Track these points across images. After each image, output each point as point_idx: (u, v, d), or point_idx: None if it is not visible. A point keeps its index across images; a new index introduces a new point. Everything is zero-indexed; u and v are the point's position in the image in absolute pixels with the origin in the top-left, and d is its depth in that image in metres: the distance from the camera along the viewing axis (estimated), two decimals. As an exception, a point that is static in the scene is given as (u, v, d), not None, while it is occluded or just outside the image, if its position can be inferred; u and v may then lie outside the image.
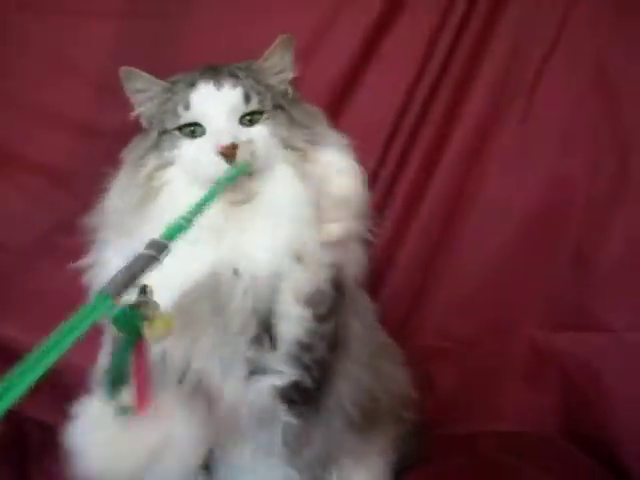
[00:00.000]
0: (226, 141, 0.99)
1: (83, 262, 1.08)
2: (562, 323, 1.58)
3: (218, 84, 1.04)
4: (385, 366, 1.22)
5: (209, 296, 0.99)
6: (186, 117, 1.04)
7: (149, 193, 1.04)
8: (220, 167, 0.99)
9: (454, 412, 1.58)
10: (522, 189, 1.61)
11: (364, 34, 1.57)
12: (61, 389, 1.44)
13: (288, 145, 1.06)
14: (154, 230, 0.89)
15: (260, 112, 1.05)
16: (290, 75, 1.12)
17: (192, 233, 0.89)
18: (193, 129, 1.04)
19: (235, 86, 1.04)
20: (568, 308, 1.58)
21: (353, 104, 1.60)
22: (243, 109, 1.04)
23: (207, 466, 1.07)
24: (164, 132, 1.05)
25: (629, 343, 1.47)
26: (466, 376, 1.62)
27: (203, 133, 1.03)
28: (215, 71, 1.07)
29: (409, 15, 1.59)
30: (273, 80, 1.10)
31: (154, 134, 1.07)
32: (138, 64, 1.42)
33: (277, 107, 1.07)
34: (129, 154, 1.10)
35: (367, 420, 1.15)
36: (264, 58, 1.10)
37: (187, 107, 1.04)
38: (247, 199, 1.03)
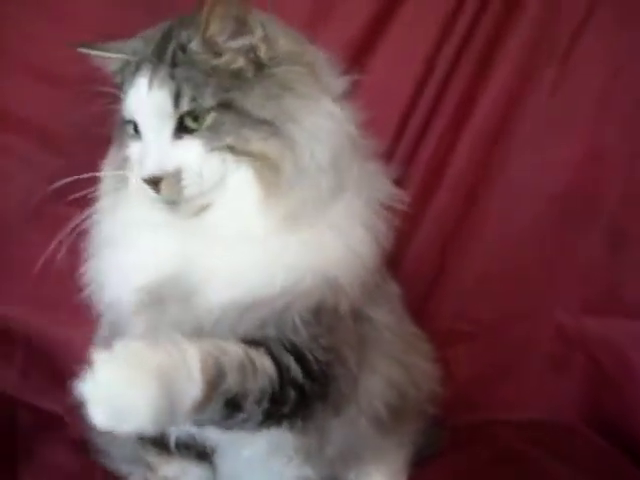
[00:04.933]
0: (146, 173, 0.89)
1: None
2: (593, 307, 1.53)
3: (150, 82, 0.90)
4: (415, 361, 1.15)
5: (178, 296, 0.93)
6: (125, 113, 0.94)
7: (119, 185, 0.98)
8: (148, 194, 0.90)
9: (474, 399, 1.53)
10: (552, 165, 1.54)
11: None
12: (55, 372, 1.41)
13: (238, 152, 0.90)
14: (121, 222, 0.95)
15: (203, 110, 0.90)
16: (252, 37, 0.92)
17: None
18: (136, 129, 0.93)
19: (163, 84, 0.89)
20: (600, 292, 1.53)
21: (368, 73, 1.46)
22: (172, 113, 0.89)
23: (210, 460, 1.04)
24: (121, 124, 0.98)
25: (663, 330, 1.43)
26: (487, 362, 1.57)
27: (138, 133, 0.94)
28: (158, 55, 0.91)
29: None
30: (225, 55, 0.91)
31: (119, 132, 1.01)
32: (136, 16, 1.35)
33: (223, 105, 0.89)
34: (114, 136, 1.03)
35: (393, 417, 1.08)
36: (201, 26, 0.90)
37: (125, 105, 0.94)
38: (196, 214, 0.92)
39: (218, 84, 0.89)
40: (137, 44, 0.96)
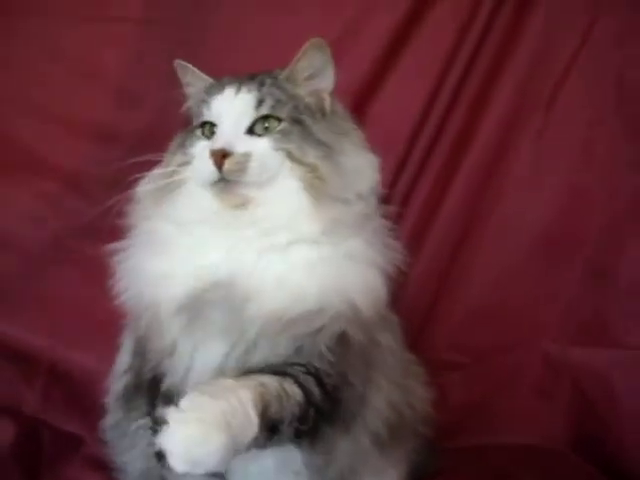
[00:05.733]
0: (217, 145, 1.00)
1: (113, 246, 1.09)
2: (578, 338, 1.59)
3: (238, 89, 1.05)
4: (411, 383, 1.23)
5: (225, 303, 1.00)
6: (205, 116, 1.07)
7: (170, 186, 1.06)
8: (208, 169, 1.00)
9: (465, 425, 1.58)
10: (538, 203, 1.61)
11: (384, 45, 1.57)
12: (74, 395, 1.49)
13: (295, 159, 1.03)
14: (164, 225, 1.03)
15: (277, 119, 1.04)
16: (324, 83, 1.10)
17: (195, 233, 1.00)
18: (210, 129, 1.06)
19: (250, 91, 1.05)
20: (583, 323, 1.58)
21: (371, 114, 1.58)
22: (253, 114, 1.04)
23: (221, 475, 1.06)
24: (190, 131, 1.09)
25: (645, 360, 1.47)
26: (478, 389, 1.63)
27: (212, 134, 1.06)
28: (247, 77, 1.08)
29: (430, 26, 1.59)
30: (302, 89, 1.09)
31: (187, 131, 1.11)
32: (158, 70, 1.46)
33: (295, 120, 1.06)
34: (170, 146, 1.14)
35: (391, 436, 1.15)
36: (293, 63, 1.09)
37: (209, 107, 1.07)
38: (242, 204, 1.02)
39: (294, 106, 1.06)
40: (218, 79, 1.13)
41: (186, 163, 1.06)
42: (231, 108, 1.05)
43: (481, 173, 1.61)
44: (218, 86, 1.09)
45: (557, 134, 1.60)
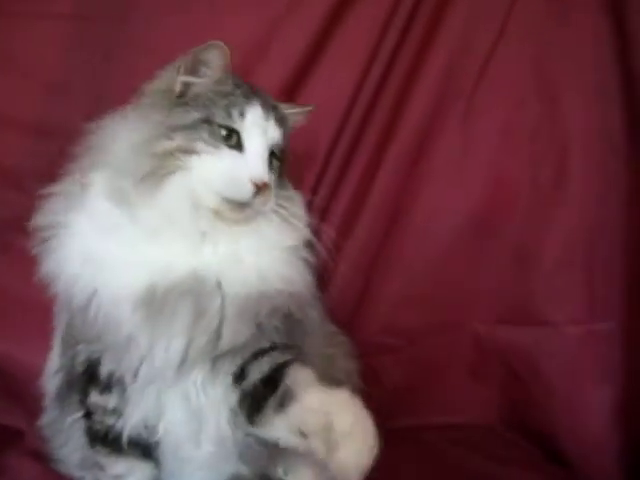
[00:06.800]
0: (264, 178, 1.01)
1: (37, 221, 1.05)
2: (505, 317, 1.63)
3: (266, 115, 1.06)
4: (336, 355, 1.25)
5: (191, 297, 1.00)
6: (237, 124, 1.03)
7: (159, 171, 0.99)
8: (241, 191, 1.01)
9: (400, 406, 1.61)
10: (464, 188, 1.64)
11: (313, 31, 1.59)
12: (14, 390, 1.50)
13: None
14: (149, 219, 0.98)
15: (278, 159, 1.08)
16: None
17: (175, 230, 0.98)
18: (234, 136, 1.03)
19: (277, 125, 1.07)
20: (511, 303, 1.63)
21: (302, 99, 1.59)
22: (278, 145, 1.07)
23: (155, 458, 1.10)
24: (207, 121, 1.02)
25: (569, 336, 1.53)
26: (411, 370, 1.65)
27: (239, 147, 1.03)
28: (261, 99, 1.08)
29: (356, 14, 1.61)
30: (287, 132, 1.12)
31: (195, 115, 1.03)
32: (89, 65, 1.49)
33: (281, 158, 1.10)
34: (154, 107, 1.05)
35: None
36: (288, 108, 1.14)
37: (242, 115, 1.04)
38: (244, 223, 1.05)
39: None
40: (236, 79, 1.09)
41: (188, 152, 1.00)
42: (266, 134, 1.05)
43: (408, 158, 1.64)
44: (243, 93, 1.06)
45: (480, 120, 1.64)
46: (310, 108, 1.19)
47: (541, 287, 1.58)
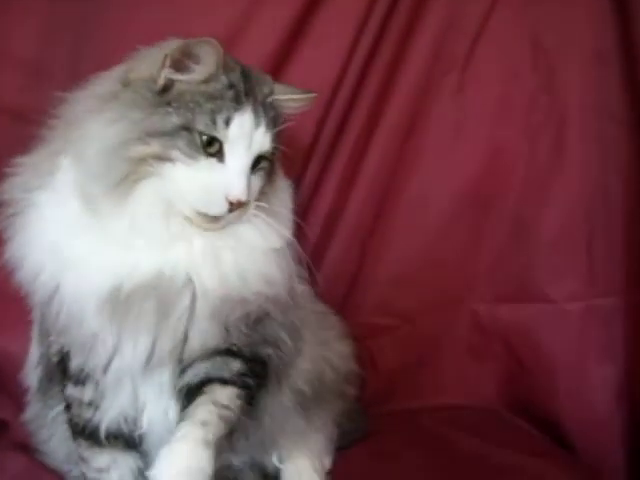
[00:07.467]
0: (241, 198, 0.94)
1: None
2: (504, 295, 1.61)
3: (257, 120, 0.97)
4: (331, 338, 1.23)
5: (156, 297, 0.97)
6: (221, 133, 0.95)
7: (131, 176, 0.93)
8: (215, 206, 0.95)
9: (396, 388, 1.60)
10: (459, 161, 1.61)
11: (297, 10, 1.53)
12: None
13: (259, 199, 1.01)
14: (118, 229, 0.93)
15: (268, 160, 1.01)
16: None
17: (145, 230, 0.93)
18: (215, 144, 0.95)
19: (267, 131, 0.98)
20: (509, 280, 1.60)
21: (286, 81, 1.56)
22: (265, 150, 0.99)
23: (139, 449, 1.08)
24: (187, 129, 0.94)
25: (569, 313, 1.50)
26: (408, 352, 1.63)
27: (220, 155, 0.95)
28: (255, 99, 0.99)
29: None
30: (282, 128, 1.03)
31: (175, 120, 0.94)
32: (65, 45, 1.45)
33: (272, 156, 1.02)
34: (134, 103, 0.95)
35: (314, 398, 1.16)
36: (280, 94, 1.03)
37: (228, 124, 0.95)
38: (219, 229, 0.99)
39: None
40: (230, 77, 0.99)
41: (162, 159, 0.93)
42: (251, 144, 0.97)
43: (400, 135, 1.60)
44: (232, 97, 0.96)
45: (474, 92, 1.60)
46: (315, 95, 1.09)
47: (540, 262, 1.55)
